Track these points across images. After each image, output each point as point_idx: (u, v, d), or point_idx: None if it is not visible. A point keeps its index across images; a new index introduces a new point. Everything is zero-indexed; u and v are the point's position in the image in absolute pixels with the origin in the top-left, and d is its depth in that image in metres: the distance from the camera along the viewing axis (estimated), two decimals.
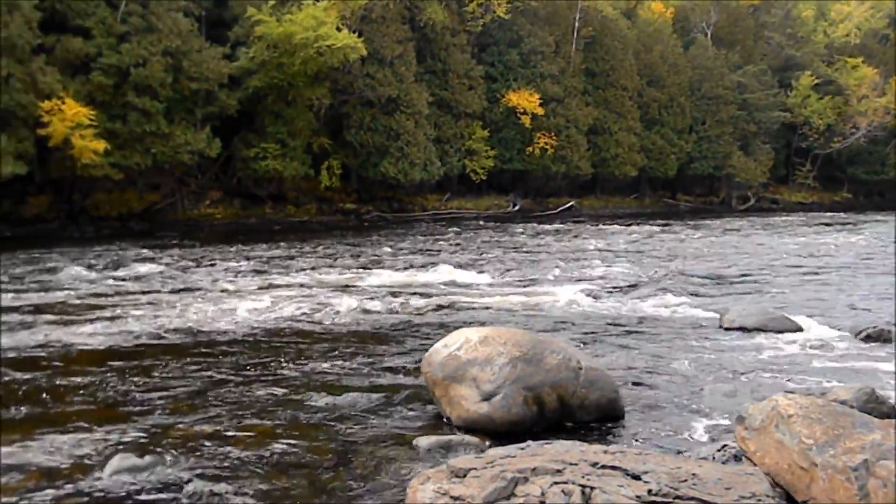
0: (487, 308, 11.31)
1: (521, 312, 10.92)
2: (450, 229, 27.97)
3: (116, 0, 26.71)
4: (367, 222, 32.58)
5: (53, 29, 25.69)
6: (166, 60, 26.62)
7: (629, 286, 13.62)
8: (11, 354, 8.14)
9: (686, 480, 4.21)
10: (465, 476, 4.07)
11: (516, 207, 39.10)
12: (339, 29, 29.23)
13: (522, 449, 4.53)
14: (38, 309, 11.05)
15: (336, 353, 8.33)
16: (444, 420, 5.96)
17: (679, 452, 5.27)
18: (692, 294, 12.67)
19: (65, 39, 25.58)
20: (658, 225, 30.36)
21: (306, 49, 28.26)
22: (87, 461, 4.98)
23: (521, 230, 27.64)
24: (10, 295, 12.35)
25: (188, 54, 27.19)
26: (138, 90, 26.29)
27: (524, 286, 13.48)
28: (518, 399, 5.77)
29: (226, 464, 4.98)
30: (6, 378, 7.13)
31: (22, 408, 6.21)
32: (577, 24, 41.05)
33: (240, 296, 12.10)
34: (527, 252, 19.94)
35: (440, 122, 36.50)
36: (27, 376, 7.21)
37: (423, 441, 5.39)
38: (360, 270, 15.63)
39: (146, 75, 26.08)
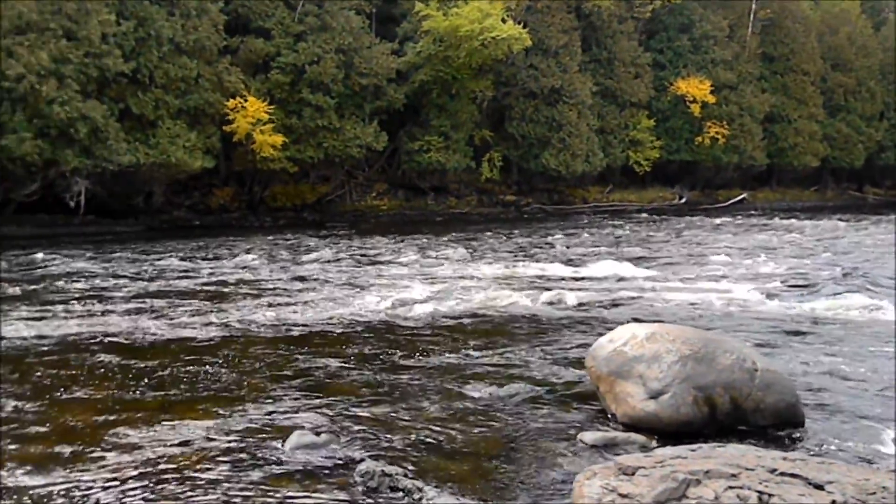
0: (651, 303, 10.99)
1: (688, 309, 10.52)
2: (611, 222, 27.41)
3: (294, 1, 28.19)
4: (526, 214, 32.58)
5: (237, 31, 27.57)
6: (338, 57, 27.84)
7: (806, 285, 12.75)
8: (202, 333, 8.85)
9: (875, 493, 3.89)
10: (633, 474, 3.98)
11: (682, 200, 37.70)
12: (503, 21, 29.34)
13: (693, 450, 4.36)
14: (218, 293, 11.94)
15: (496, 343, 8.41)
16: (609, 416, 5.86)
17: (866, 463, 4.89)
18: (876, 295, 11.68)
19: (248, 40, 27.39)
20: (841, 220, 28.22)
21: (471, 41, 28.60)
22: (269, 436, 5.33)
23: (687, 224, 26.61)
24: (200, 277, 13.44)
25: (359, 51, 28.29)
26: (312, 87, 27.68)
27: (690, 282, 12.98)
28: (687, 399, 5.57)
29: (395, 446, 5.17)
30: (206, 356, 7.77)
31: (212, 385, 6.75)
32: (753, 7, 38.88)
33: (402, 285, 12.48)
34: (693, 246, 19.17)
35: (604, 112, 35.81)
36: (214, 358, 7.82)
37: (588, 436, 5.33)
38: (520, 262, 15.66)
39: (320, 72, 27.41)
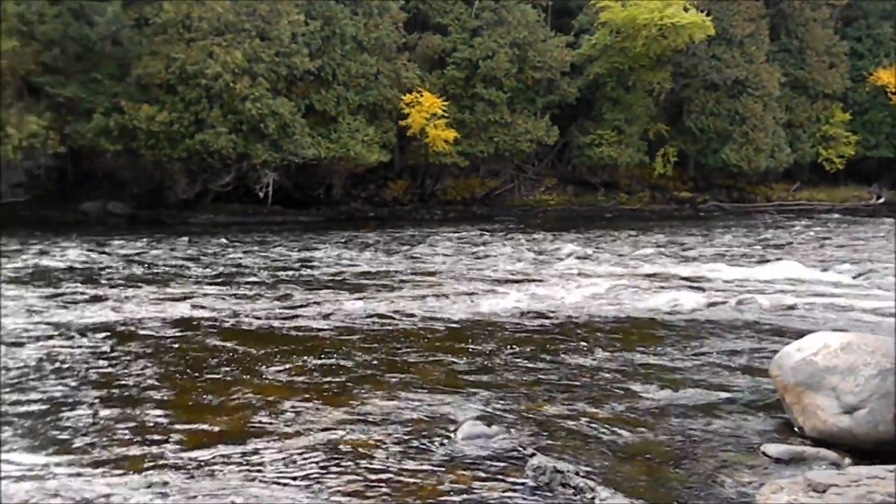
0: (841, 311, 10.17)
1: (885, 319, 9.64)
2: (797, 222, 25.66)
3: None
4: (702, 212, 31.19)
5: (416, 28, 28.35)
6: (512, 52, 27.92)
7: None
8: (373, 321, 9.21)
9: None
10: (824, 492, 3.71)
11: (881, 200, 34.60)
12: (685, 10, 28.23)
13: (892, 471, 4.00)
14: (389, 283, 12.35)
15: (670, 345, 8.11)
16: (795, 429, 5.48)
17: None
18: None
19: (425, 37, 28.10)
20: None
21: (648, 28, 27.74)
22: (440, 424, 5.44)
23: (886, 226, 24.40)
24: (372, 266, 13.98)
25: (533, 45, 28.23)
26: (486, 81, 27.95)
27: (887, 290, 11.88)
28: (887, 416, 5.10)
29: (567, 443, 5.12)
30: (377, 343, 8.09)
31: (385, 371, 7.00)
32: None
33: (572, 281, 12.34)
34: (891, 251, 17.54)
35: (792, 105, 33.57)
36: (384, 344, 8.10)
37: (772, 448, 5.02)
38: (694, 262, 15.02)
39: (493, 67, 27.62)
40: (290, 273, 13.33)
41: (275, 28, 23.53)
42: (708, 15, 28.89)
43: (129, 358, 7.32)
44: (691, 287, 11.85)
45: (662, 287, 11.79)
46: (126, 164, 23.57)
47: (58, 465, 4.70)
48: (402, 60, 27.00)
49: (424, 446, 5.03)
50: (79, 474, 4.56)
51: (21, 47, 21.25)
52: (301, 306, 10.01)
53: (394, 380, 6.60)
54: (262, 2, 23.38)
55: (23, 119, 21.21)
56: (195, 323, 8.98)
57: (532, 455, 4.71)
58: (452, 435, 5.20)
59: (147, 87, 22.62)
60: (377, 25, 26.04)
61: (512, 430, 5.33)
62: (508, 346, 7.92)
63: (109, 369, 6.92)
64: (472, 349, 7.80)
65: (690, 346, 8.06)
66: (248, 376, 6.69)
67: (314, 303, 10.29)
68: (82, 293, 10.95)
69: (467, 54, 27.91)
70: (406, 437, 5.18)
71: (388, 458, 4.84)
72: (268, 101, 22.98)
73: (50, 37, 21.54)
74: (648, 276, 13.10)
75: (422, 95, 26.58)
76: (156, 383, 6.48)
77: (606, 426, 5.45)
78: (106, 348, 7.72)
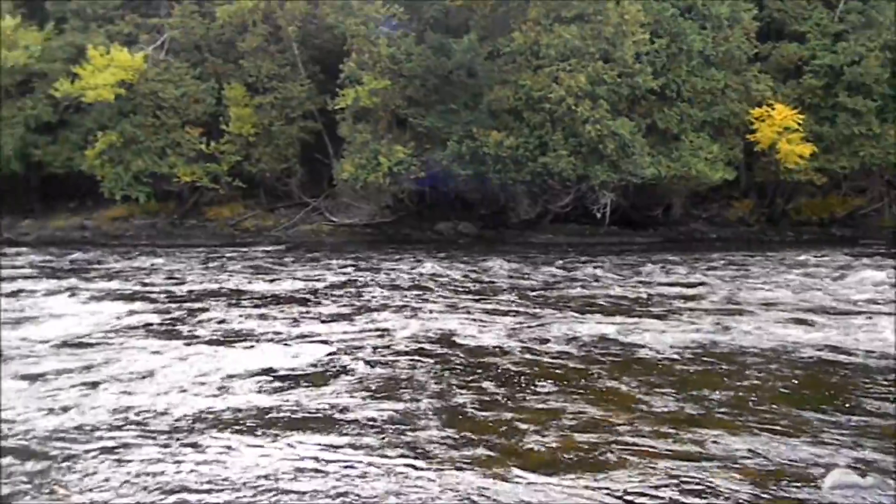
0: None
1: None
2: None
3: (835, 0, 26.10)
4: None
5: (769, 37, 26.54)
6: (884, 55, 24.82)
7: None
8: (715, 348, 8.62)
9: None
10: None
11: None
12: None
13: None
14: (729, 309, 11.50)
15: None
16: None
17: None
18: None
19: (780, 46, 26.19)
20: None
21: None
22: (801, 468, 4.87)
23: None
24: (705, 290, 13.19)
25: None
26: (850, 89, 25.17)
27: None
28: None
29: None
30: (719, 371, 7.57)
31: (733, 402, 6.49)
32: None
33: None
34: None
35: None
36: (730, 374, 7.52)
37: None
38: None
39: (861, 73, 24.78)
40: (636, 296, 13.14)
41: (619, 49, 23.59)
42: None
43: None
44: None
45: None
46: (475, 188, 25.25)
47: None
48: (753, 72, 25.40)
49: (785, 494, 4.52)
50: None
51: (391, 85, 23.99)
52: (645, 331, 9.76)
53: (741, 418, 6.05)
54: (608, 25, 23.57)
55: (391, 149, 23.88)
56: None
57: None
58: (818, 482, 4.61)
59: (496, 114, 24.05)
60: (727, 38, 24.85)
61: (890, 480, 4.58)
62: (876, 386, 6.89)
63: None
64: (827, 388, 6.91)
65: None
66: (588, 390, 6.66)
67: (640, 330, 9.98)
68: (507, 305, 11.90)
69: (829, 60, 25.34)
70: (765, 479, 4.70)
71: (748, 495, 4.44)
72: (608, 122, 23.07)
73: (414, 72, 23.99)
74: None
75: (773, 108, 24.69)
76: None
77: None
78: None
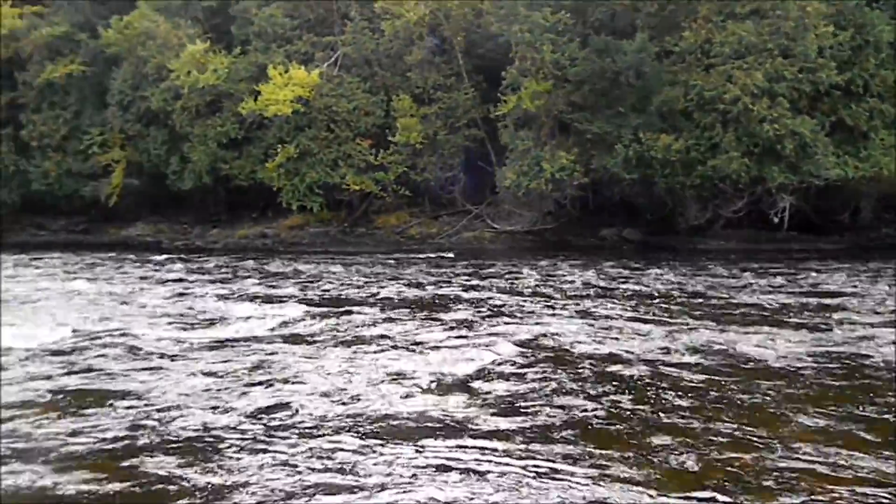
0: None
1: None
2: None
3: None
4: None
5: None
6: None
7: None
8: None
9: None
10: None
11: None
12: None
13: None
14: None
15: None
16: None
17: None
18: None
19: None
20: None
21: None
22: None
23: None
24: None
25: None
26: None
27: None
28: None
29: None
30: None
31: None
32: None
33: None
34: None
35: None
36: None
37: None
38: None
39: None
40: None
41: (800, 44, 22.10)
42: None
43: None
44: None
45: None
46: (641, 192, 24.52)
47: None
48: None
49: None
50: None
51: (554, 90, 23.81)
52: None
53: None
54: (788, 20, 22.15)
55: (555, 155, 23.68)
56: None
57: None
58: None
59: (665, 116, 23.24)
60: None
61: None
62: None
63: None
64: None
65: None
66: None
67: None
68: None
69: None
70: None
71: None
72: (787, 120, 21.66)
73: (579, 77, 23.66)
74: None
75: None
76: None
77: None
78: None
